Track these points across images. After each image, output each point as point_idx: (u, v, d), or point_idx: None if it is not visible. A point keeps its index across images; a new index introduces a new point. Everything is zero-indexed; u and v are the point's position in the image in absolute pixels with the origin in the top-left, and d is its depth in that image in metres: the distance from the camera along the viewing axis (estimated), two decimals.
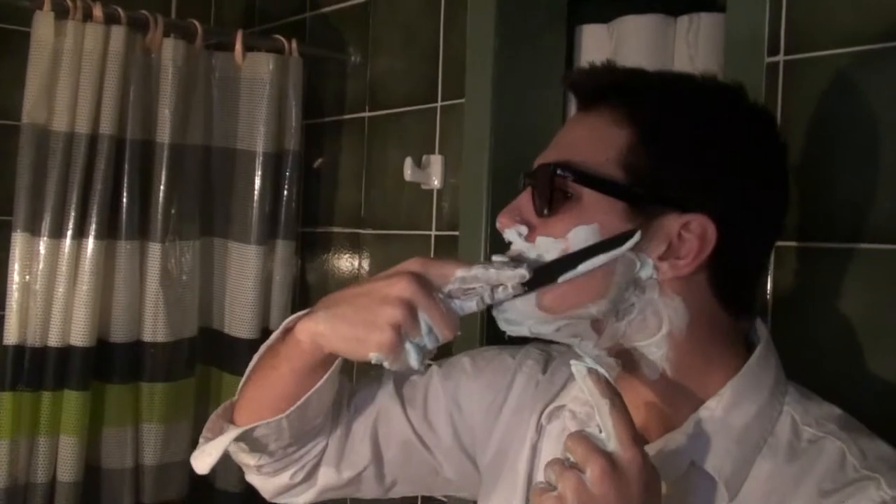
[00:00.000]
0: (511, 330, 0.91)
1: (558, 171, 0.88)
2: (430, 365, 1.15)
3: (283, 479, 1.11)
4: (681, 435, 0.88)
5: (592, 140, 0.90)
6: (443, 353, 1.02)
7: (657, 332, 0.88)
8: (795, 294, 1.17)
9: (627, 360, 0.91)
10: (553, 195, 0.88)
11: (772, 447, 0.86)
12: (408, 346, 0.87)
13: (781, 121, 1.18)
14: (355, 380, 1.19)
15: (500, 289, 0.88)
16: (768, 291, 1.19)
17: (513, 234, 0.91)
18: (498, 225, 0.92)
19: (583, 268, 0.86)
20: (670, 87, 0.94)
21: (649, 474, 0.78)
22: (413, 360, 0.87)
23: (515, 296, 0.88)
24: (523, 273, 0.86)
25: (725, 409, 0.88)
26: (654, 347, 0.89)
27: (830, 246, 1.14)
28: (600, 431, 0.79)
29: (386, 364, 0.88)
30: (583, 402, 0.98)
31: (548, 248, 0.88)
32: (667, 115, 0.89)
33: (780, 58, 1.19)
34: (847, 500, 0.80)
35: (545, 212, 0.88)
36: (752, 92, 1.19)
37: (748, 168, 0.90)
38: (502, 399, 1.10)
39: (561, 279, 0.86)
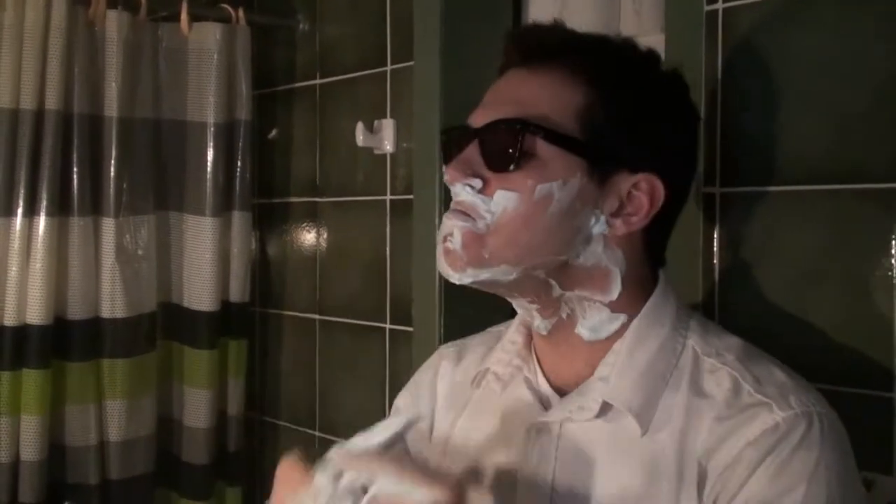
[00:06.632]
0: (463, 278, 0.91)
1: (528, 128, 0.89)
2: None
3: None
4: (594, 380, 0.93)
5: (548, 97, 0.91)
6: None
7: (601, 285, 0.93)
8: (740, 239, 1.19)
9: (568, 315, 0.94)
10: (519, 151, 0.89)
11: (676, 379, 0.90)
12: None
13: (722, 67, 1.20)
14: None
15: None
16: (714, 238, 1.21)
17: (463, 189, 0.91)
18: (447, 178, 0.92)
19: None
20: (622, 53, 0.96)
21: None
22: None
23: None
24: None
25: (629, 348, 0.92)
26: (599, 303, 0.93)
27: (773, 189, 1.16)
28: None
29: None
30: (506, 363, 1.01)
31: (509, 202, 0.89)
32: (622, 79, 0.93)
33: (720, 5, 1.21)
34: (742, 426, 0.85)
35: (511, 167, 0.89)
36: (693, 40, 1.22)
37: (686, 134, 0.99)
38: (431, 410, 1.10)
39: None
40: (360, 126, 1.76)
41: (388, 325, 1.81)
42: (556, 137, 0.89)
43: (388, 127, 1.78)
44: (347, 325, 1.91)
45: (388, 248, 1.81)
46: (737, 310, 1.19)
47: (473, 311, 1.71)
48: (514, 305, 0.98)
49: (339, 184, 1.93)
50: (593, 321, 0.94)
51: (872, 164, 1.07)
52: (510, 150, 0.89)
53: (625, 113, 0.91)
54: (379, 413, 1.81)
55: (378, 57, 1.81)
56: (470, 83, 1.69)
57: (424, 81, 1.69)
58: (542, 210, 0.89)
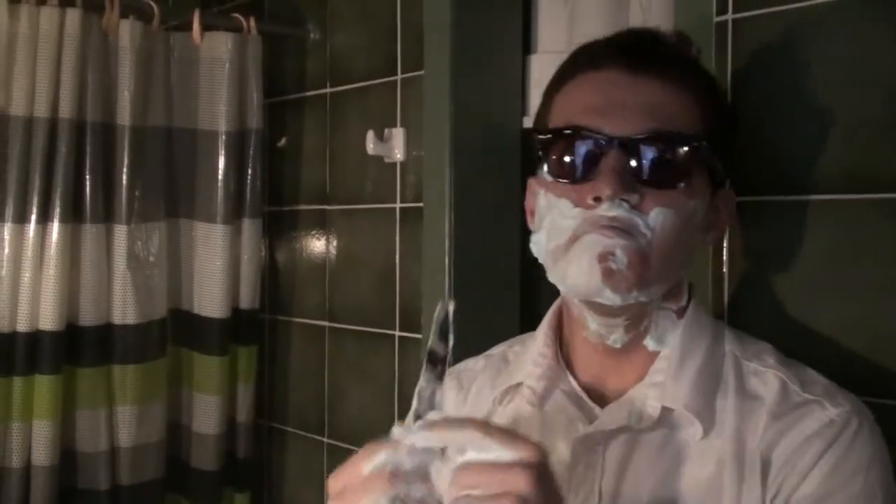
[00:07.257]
0: (626, 299, 0.87)
1: (697, 144, 0.88)
2: None
3: None
4: (646, 387, 0.92)
5: (680, 112, 0.90)
6: None
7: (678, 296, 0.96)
8: (751, 248, 1.20)
9: (646, 327, 0.95)
10: (690, 167, 0.88)
11: (724, 386, 0.92)
12: None
13: (732, 78, 1.21)
14: None
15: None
16: (724, 247, 1.22)
17: (620, 204, 0.85)
18: (608, 192, 0.85)
19: None
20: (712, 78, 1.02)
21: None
22: None
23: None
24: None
25: (680, 356, 0.93)
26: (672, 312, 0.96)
27: (785, 199, 1.16)
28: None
29: None
30: (538, 376, 0.98)
31: (666, 220, 0.87)
32: (718, 96, 0.99)
33: (729, 16, 1.22)
34: (798, 421, 0.87)
35: (681, 184, 0.87)
36: (703, 50, 1.22)
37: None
38: None
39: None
40: (370, 134, 1.77)
41: (397, 333, 1.82)
42: (711, 154, 0.90)
43: (398, 136, 1.79)
44: (356, 333, 1.92)
45: (397, 256, 1.82)
46: (747, 318, 1.19)
47: (480, 319, 1.73)
48: (597, 322, 0.92)
49: (348, 192, 1.94)
50: (661, 330, 0.94)
51: (885, 174, 1.08)
52: (679, 166, 0.87)
53: (725, 132, 0.96)
54: (388, 420, 1.81)
55: (388, 66, 1.82)
56: (480, 92, 1.71)
57: (435, 90, 1.70)
58: (689, 227, 0.90)
